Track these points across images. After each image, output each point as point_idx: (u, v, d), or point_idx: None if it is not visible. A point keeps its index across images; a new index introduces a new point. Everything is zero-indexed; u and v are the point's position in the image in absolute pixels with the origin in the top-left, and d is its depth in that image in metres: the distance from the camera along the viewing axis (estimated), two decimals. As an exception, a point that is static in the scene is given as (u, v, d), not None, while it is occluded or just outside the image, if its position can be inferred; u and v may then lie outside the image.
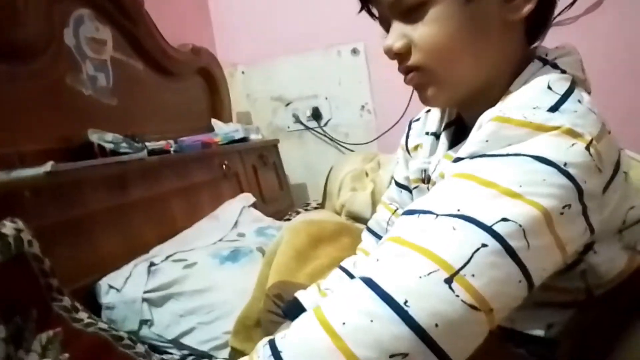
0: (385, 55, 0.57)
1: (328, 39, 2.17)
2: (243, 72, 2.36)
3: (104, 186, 1.18)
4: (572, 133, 0.43)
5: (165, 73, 1.81)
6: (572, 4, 1.63)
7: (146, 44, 1.67)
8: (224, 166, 1.71)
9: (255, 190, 1.89)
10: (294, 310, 0.73)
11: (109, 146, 1.34)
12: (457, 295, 0.39)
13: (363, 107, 2.20)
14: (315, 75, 2.23)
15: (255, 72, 2.34)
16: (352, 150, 2.19)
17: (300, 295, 0.76)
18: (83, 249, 1.08)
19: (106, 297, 1.06)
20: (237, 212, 1.58)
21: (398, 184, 0.79)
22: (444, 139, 0.65)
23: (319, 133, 2.28)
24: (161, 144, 1.50)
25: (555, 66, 0.52)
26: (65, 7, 1.37)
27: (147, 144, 1.43)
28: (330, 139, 2.26)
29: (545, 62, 0.53)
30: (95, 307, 1.05)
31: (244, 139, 1.94)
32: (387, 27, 0.58)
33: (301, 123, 2.28)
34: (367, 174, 1.67)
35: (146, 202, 1.31)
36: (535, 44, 0.58)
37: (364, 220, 1.27)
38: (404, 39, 0.55)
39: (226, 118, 2.19)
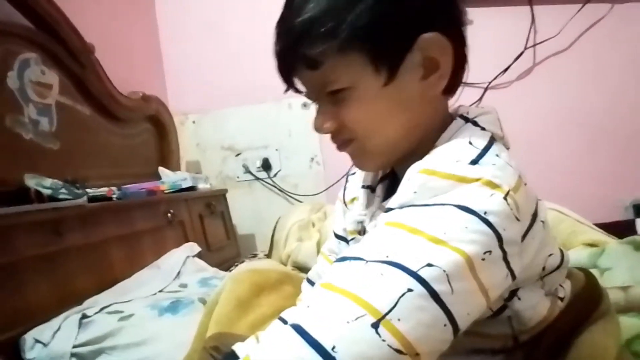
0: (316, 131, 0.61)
1: (279, 91, 2.21)
2: (194, 122, 2.36)
3: (37, 232, 1.12)
4: (491, 184, 0.46)
5: (113, 119, 1.79)
6: (504, 70, 1.74)
7: (94, 89, 1.66)
8: (169, 214, 1.67)
9: (200, 238, 1.85)
10: None
11: (46, 192, 1.29)
12: (384, 340, 0.39)
13: (312, 159, 2.24)
14: (266, 126, 2.27)
15: (206, 121, 2.35)
16: (301, 201, 2.20)
17: (238, 347, 0.74)
18: (8, 299, 1.01)
19: (31, 352, 0.98)
20: (180, 261, 1.53)
21: (337, 236, 0.80)
22: (379, 192, 0.67)
23: (269, 184, 2.28)
24: (104, 190, 1.45)
25: (475, 124, 0.56)
26: (11, 49, 1.35)
27: (88, 190, 1.39)
28: (279, 189, 2.27)
29: (466, 120, 0.57)
30: (18, 363, 0.98)
31: (191, 188, 1.91)
32: (313, 99, 0.62)
33: (251, 173, 2.29)
34: (313, 224, 1.68)
35: (83, 249, 1.26)
36: (459, 105, 0.63)
37: (309, 270, 1.26)
38: (332, 120, 0.59)
39: (174, 166, 2.17)
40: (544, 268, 0.55)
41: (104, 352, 1.01)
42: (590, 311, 0.61)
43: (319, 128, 0.60)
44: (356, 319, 0.40)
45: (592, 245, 1.26)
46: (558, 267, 0.58)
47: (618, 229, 1.41)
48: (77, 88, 1.61)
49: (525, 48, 2.08)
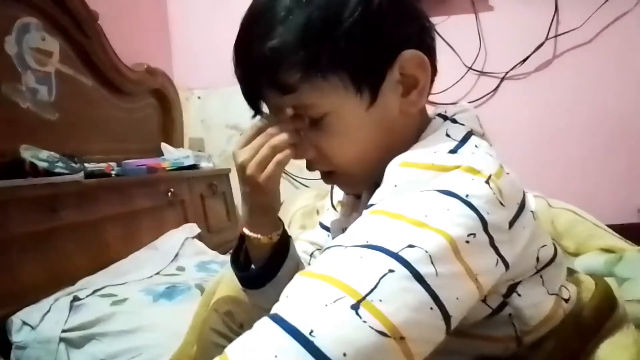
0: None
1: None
2: (199, 97, 2.30)
3: (31, 208, 1.07)
4: (472, 170, 0.46)
5: (116, 91, 1.73)
6: (523, 61, 1.70)
7: (97, 59, 1.59)
8: (169, 193, 1.62)
9: (201, 219, 1.81)
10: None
11: (42, 165, 1.24)
12: (365, 321, 0.37)
13: (319, 142, 2.18)
14: (274, 106, 2.20)
15: (212, 98, 2.28)
16: (307, 186, 2.15)
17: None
18: (-3, 278, 0.97)
19: (18, 335, 0.94)
20: (179, 243, 1.49)
21: (323, 226, 0.79)
22: (364, 198, 0.64)
23: (273, 165, 2.22)
24: (102, 166, 1.40)
25: (454, 121, 0.55)
26: (10, 13, 1.29)
27: (86, 164, 1.34)
28: (284, 172, 2.21)
29: (445, 118, 0.56)
30: (5, 345, 0.93)
31: (193, 166, 1.86)
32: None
33: (255, 154, 2.23)
34: (318, 212, 1.63)
35: (78, 227, 1.21)
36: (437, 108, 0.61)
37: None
38: (312, 148, 0.57)
39: (177, 142, 2.12)
40: (537, 259, 0.54)
41: (94, 338, 0.97)
42: (602, 321, 0.59)
43: (298, 157, 0.58)
44: (334, 302, 0.38)
45: (608, 250, 1.21)
46: (552, 260, 0.56)
47: (633, 233, 1.36)
48: (79, 57, 1.54)
49: (547, 39, 2.00)
